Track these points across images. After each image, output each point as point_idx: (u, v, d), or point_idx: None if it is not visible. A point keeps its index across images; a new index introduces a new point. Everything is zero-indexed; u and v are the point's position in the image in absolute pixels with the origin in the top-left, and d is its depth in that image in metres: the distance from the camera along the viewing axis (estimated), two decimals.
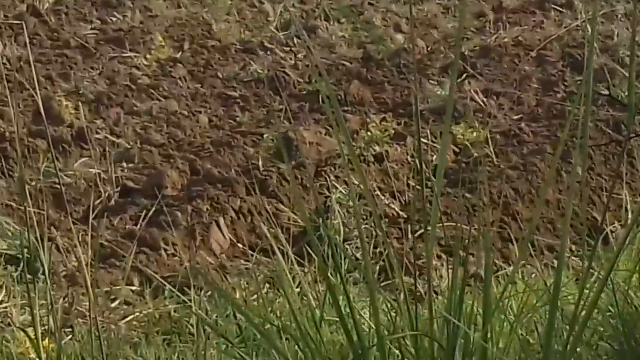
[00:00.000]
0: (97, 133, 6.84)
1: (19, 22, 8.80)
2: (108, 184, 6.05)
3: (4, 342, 4.13)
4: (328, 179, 5.90)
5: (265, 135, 6.64)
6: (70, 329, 4.48)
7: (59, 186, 5.89)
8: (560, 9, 9.81)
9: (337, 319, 2.79)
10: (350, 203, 5.55)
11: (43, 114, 6.24)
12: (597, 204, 5.81)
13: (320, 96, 7.17)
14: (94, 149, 6.48)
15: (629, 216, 5.25)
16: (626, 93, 6.65)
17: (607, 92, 6.80)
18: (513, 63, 8.18)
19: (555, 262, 4.15)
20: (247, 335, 3.91)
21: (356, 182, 4.91)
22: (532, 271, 4.60)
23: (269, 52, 8.61)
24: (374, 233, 5.14)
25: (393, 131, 6.53)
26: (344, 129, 1.86)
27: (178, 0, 10.52)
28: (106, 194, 5.95)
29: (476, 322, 2.64)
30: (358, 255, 5.30)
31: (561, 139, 4.40)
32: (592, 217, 5.62)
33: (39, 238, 3.40)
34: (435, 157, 6.11)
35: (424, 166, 5.12)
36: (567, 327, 2.49)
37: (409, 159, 6.24)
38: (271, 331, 3.13)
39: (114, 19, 9.73)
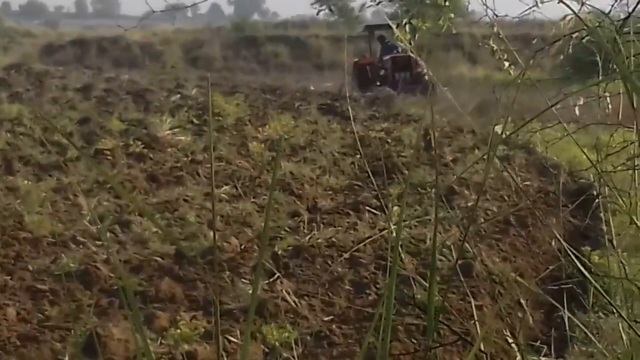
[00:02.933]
0: None
1: None
2: None
3: None
4: None
5: (73, 331, 6.47)
6: None
7: None
8: (375, 212, 10.07)
9: None
10: None
11: None
12: None
13: (130, 292, 7.09)
14: None
15: None
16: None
17: (410, 299, 6.94)
18: (326, 264, 8.28)
19: None
20: None
21: None
22: None
23: (81, 246, 8.50)
24: None
25: (203, 329, 6.46)
26: (141, 330, 1.82)
27: None
28: None
29: None
30: None
31: (364, 344, 4.44)
32: None
33: None
34: None
35: None
36: None
37: (218, 358, 6.17)
38: None
39: None
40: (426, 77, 24.66)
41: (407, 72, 25.52)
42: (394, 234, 8.70)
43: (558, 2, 3.22)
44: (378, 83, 25.75)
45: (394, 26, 3.93)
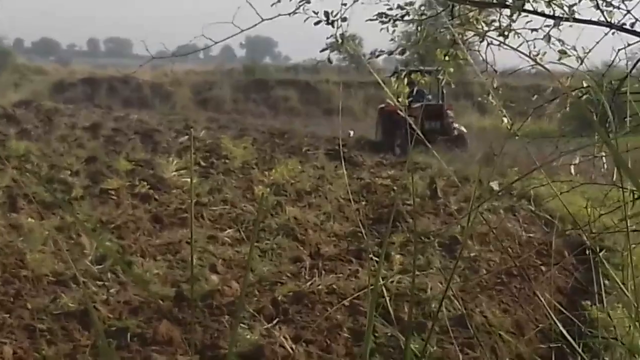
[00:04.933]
0: None
1: None
2: None
3: None
4: None
5: None
6: None
7: None
8: (377, 259, 10.03)
9: None
10: None
11: None
12: None
13: (129, 334, 7.10)
14: None
15: None
16: None
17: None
18: (325, 311, 8.24)
19: None
20: None
21: None
22: None
23: (81, 286, 8.49)
24: None
25: None
26: None
27: None
28: None
29: None
30: None
31: None
32: None
33: None
34: None
35: None
36: None
37: None
38: None
39: None
40: (455, 129, 23.30)
41: (438, 121, 23.88)
42: (398, 282, 8.68)
43: (558, 60, 3.25)
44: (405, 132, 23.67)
45: (390, 80, 3.95)
